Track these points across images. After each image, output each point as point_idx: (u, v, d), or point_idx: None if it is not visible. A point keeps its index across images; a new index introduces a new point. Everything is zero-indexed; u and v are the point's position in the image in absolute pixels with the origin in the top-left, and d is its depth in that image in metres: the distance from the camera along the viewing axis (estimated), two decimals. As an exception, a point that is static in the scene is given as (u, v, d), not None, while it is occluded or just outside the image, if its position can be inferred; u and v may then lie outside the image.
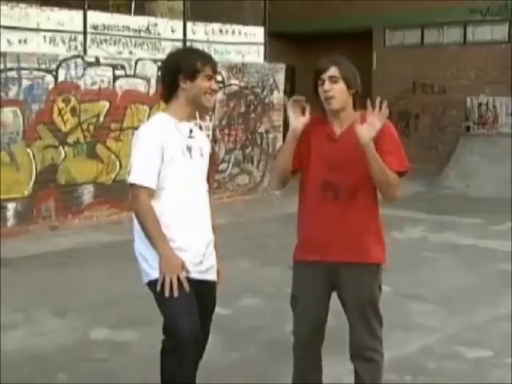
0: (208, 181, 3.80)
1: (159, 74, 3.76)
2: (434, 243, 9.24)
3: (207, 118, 11.91)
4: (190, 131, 3.60)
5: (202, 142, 3.70)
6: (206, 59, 3.58)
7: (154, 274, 3.46)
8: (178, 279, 3.40)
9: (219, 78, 12.15)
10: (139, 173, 3.46)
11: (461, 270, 7.79)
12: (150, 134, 3.50)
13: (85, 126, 10.22)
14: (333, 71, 3.54)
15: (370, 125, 3.41)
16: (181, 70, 3.51)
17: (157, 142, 3.46)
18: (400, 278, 7.30)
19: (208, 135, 11.93)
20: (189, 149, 3.56)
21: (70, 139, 10.06)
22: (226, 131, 12.36)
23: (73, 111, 10.03)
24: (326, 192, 3.60)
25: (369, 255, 3.60)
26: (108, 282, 7.17)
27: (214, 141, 12.09)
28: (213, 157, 11.98)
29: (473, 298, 6.67)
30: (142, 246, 3.53)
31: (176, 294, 3.37)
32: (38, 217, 9.73)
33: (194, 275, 3.53)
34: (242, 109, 12.63)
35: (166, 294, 3.38)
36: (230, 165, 12.43)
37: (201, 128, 3.84)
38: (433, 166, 16.17)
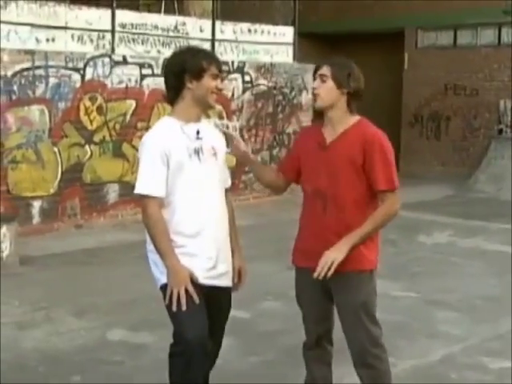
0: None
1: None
2: (462, 248, 9.10)
3: (234, 118, 11.88)
4: (197, 132, 3.52)
5: (215, 141, 3.62)
6: (211, 58, 3.54)
7: (164, 279, 3.43)
8: (187, 291, 3.35)
9: (247, 77, 12.12)
10: (146, 182, 3.42)
11: (488, 277, 7.64)
12: (154, 141, 3.45)
13: (111, 125, 10.24)
14: (324, 70, 3.57)
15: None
16: (186, 70, 3.46)
17: (160, 148, 3.41)
18: (426, 284, 7.25)
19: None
20: (196, 151, 3.49)
21: (96, 138, 10.08)
22: (254, 132, 12.32)
23: (99, 110, 10.06)
24: (316, 201, 3.61)
25: (360, 262, 3.56)
26: (130, 282, 7.15)
27: (241, 141, 12.01)
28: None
29: (498, 306, 6.53)
30: (152, 251, 3.50)
31: (184, 308, 3.33)
32: (64, 215, 9.76)
33: (206, 281, 3.48)
34: (270, 109, 12.57)
35: (174, 308, 3.35)
36: (257, 165, 12.34)
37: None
38: (463, 169, 16.00)
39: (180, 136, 3.47)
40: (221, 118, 11.59)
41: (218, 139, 3.68)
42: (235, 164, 11.80)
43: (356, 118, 3.63)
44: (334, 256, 3.42)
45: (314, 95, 3.60)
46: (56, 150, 9.61)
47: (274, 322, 6.01)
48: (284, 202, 12.11)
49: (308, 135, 3.75)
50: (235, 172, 12.01)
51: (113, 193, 10.27)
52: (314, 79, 3.60)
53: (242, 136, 11.99)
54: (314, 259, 3.52)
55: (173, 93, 3.54)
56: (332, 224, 3.54)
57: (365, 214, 3.53)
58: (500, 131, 15.30)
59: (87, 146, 9.98)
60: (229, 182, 3.76)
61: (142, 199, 3.44)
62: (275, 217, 11.17)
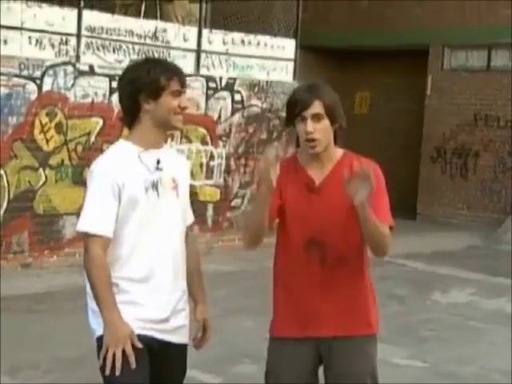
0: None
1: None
2: (484, 311, 9.07)
3: (220, 144, 11.89)
4: (158, 162, 3.53)
5: (176, 172, 3.62)
6: (171, 72, 3.52)
7: (101, 331, 3.41)
8: (124, 353, 3.33)
9: (238, 97, 12.15)
10: (92, 219, 3.43)
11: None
12: (105, 170, 3.45)
13: (72, 146, 10.24)
14: (317, 107, 3.51)
15: (364, 179, 3.34)
16: (141, 89, 3.46)
17: (112, 179, 3.41)
18: (437, 352, 7.23)
19: (220, 164, 11.90)
20: (155, 185, 3.50)
21: (53, 161, 10.07)
22: (243, 161, 12.31)
23: (58, 128, 10.07)
24: (310, 254, 3.59)
25: (367, 325, 3.65)
26: (79, 336, 6.97)
27: (227, 172, 12.05)
28: (224, 191, 11.96)
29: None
30: (92, 297, 3.49)
31: (118, 373, 3.31)
32: (8, 252, 9.71)
33: (155, 334, 3.48)
34: (264, 135, 12.59)
35: (107, 371, 3.33)
36: (245, 201, 12.36)
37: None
38: (493, 215, 16.00)
39: (137, 166, 3.48)
40: (204, 143, 11.62)
41: (180, 169, 3.69)
42: (219, 198, 11.93)
43: (340, 150, 3.67)
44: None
45: (311, 140, 3.52)
46: (3, 173, 9.61)
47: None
48: (274, 246, 12.09)
49: (291, 171, 3.64)
50: (219, 207, 12.03)
51: (70, 227, 10.21)
52: (300, 117, 3.51)
53: (227, 166, 12.03)
54: (313, 327, 3.57)
55: (128, 115, 3.55)
56: (335, 279, 3.57)
57: (368, 260, 3.63)
58: (538, 171, 15.37)
59: (41, 170, 9.97)
60: (191, 219, 3.77)
61: (85, 238, 3.44)
62: (264, 263, 10.99)
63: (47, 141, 10.00)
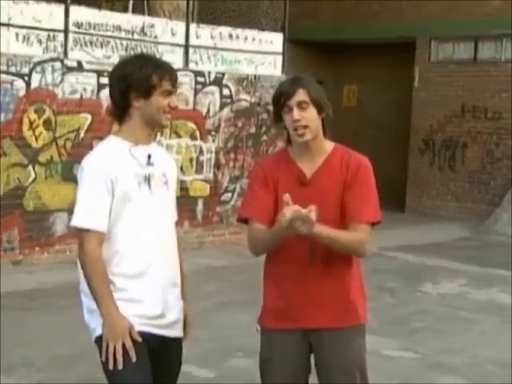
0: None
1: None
2: (475, 302, 9.12)
3: (210, 138, 11.90)
4: (149, 157, 3.55)
5: (166, 167, 3.66)
6: (163, 71, 3.52)
7: (100, 330, 3.43)
8: (124, 346, 3.35)
9: (226, 91, 12.15)
10: (86, 214, 3.43)
11: (503, 337, 7.62)
12: (98, 165, 3.45)
13: (61, 143, 10.22)
14: (301, 95, 3.54)
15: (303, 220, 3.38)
16: (132, 86, 3.46)
17: (105, 174, 3.42)
18: (428, 343, 7.27)
19: (210, 159, 11.91)
20: (147, 179, 3.52)
21: (43, 157, 10.06)
22: (232, 155, 12.32)
23: (47, 124, 10.05)
24: (300, 246, 3.59)
25: (355, 317, 3.68)
26: (73, 333, 7.03)
27: (217, 166, 12.06)
28: (214, 185, 11.97)
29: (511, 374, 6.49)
30: (87, 294, 3.50)
31: (120, 367, 3.34)
32: (-2, 249, 9.71)
33: (152, 329, 3.50)
34: (252, 129, 12.61)
35: (110, 366, 3.36)
36: (235, 195, 12.37)
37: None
38: (482, 206, 16.07)
39: (129, 161, 3.50)
40: (193, 138, 11.62)
41: (169, 165, 3.72)
42: (209, 193, 11.94)
43: (330, 143, 3.70)
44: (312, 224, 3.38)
45: (298, 128, 3.54)
46: (-8, 170, 9.59)
47: (241, 382, 5.96)
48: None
49: (278, 169, 3.68)
50: (209, 202, 12.04)
51: (60, 223, 10.22)
52: (286, 108, 3.54)
53: (217, 160, 12.03)
54: (303, 318, 3.61)
55: (119, 110, 3.56)
56: (324, 272, 3.60)
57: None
58: (526, 162, 15.43)
59: (31, 167, 9.96)
60: (176, 216, 3.79)
61: (80, 233, 3.46)
62: (254, 258, 11.11)
63: (36, 137, 9.98)
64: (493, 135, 16.58)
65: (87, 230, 3.42)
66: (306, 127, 3.54)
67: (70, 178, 10.28)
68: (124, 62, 3.59)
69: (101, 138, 10.43)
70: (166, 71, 3.52)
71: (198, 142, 11.70)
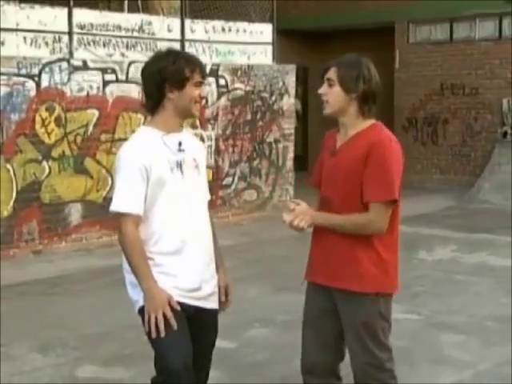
0: (209, 193, 3.89)
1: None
2: (467, 265, 9.23)
3: (209, 126, 11.97)
4: (179, 144, 3.64)
5: (196, 153, 3.75)
6: (194, 64, 3.62)
7: (142, 302, 3.54)
8: (165, 316, 3.45)
9: (222, 81, 12.22)
10: (123, 199, 3.53)
11: (497, 295, 7.77)
12: (132, 154, 3.55)
13: (71, 138, 10.27)
14: (331, 73, 3.67)
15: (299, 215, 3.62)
16: (167, 79, 3.55)
17: (140, 162, 3.51)
18: (429, 305, 7.37)
19: (210, 146, 11.98)
20: (179, 164, 3.61)
21: (55, 153, 10.11)
22: (231, 141, 12.39)
23: (58, 121, 10.09)
24: (322, 211, 3.75)
25: (362, 283, 3.66)
26: (98, 313, 7.19)
27: (217, 152, 12.13)
28: (216, 171, 12.05)
29: (510, 327, 6.60)
30: (128, 271, 3.60)
31: (163, 335, 3.44)
32: (20, 240, 9.77)
33: (189, 301, 3.60)
34: (248, 116, 12.67)
35: (153, 334, 3.46)
36: (236, 179, 12.46)
37: (202, 140, 3.93)
38: (465, 177, 16.20)
39: (161, 148, 3.58)
40: (194, 126, 11.68)
41: (199, 150, 3.82)
42: (212, 178, 12.00)
43: (369, 122, 3.71)
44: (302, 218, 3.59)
45: (323, 101, 3.70)
46: (9, 167, 9.64)
47: (262, 351, 6.06)
48: (265, 220, 12.22)
49: (328, 140, 3.87)
50: (212, 187, 12.07)
51: (75, 214, 10.29)
52: (323, 82, 3.68)
53: (217, 147, 12.09)
54: (319, 274, 3.76)
55: (152, 102, 3.64)
56: (336, 235, 3.67)
57: None
58: (504, 134, 15.52)
59: (45, 162, 10.01)
60: (209, 196, 3.88)
61: (118, 217, 3.54)
62: (257, 236, 11.26)
63: (48, 134, 10.02)
64: (471, 110, 16.67)
65: (125, 214, 3.51)
66: (327, 102, 3.67)
67: (82, 170, 10.39)
68: (157, 58, 3.66)
69: (108, 132, 10.63)
70: (197, 64, 3.62)
71: (199, 131, 11.75)
